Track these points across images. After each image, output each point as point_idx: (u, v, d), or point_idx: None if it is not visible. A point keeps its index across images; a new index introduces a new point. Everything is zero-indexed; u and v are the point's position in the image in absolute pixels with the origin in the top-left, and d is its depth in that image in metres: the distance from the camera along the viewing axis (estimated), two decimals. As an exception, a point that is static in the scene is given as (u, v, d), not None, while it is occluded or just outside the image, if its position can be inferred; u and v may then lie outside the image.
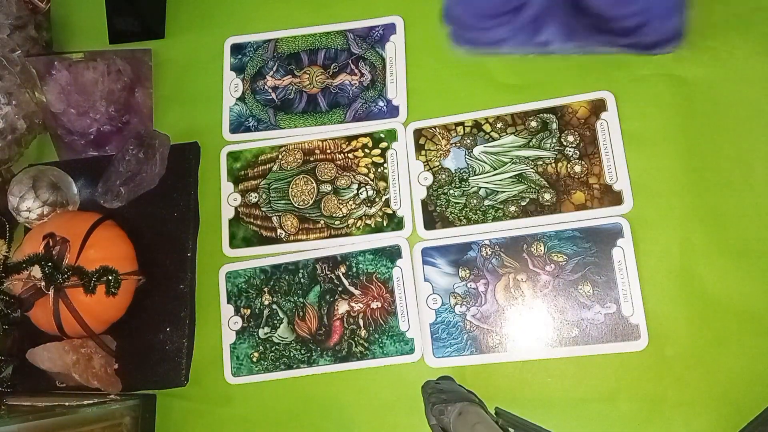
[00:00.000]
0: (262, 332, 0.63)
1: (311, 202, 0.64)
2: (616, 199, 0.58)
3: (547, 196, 0.59)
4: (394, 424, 0.59)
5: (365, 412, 0.60)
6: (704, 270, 0.56)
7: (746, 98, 0.57)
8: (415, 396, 0.58)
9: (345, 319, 0.61)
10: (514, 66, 0.62)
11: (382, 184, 0.63)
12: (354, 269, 0.62)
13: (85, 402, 0.60)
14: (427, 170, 0.62)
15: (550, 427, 0.55)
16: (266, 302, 0.63)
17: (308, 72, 0.67)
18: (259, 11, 0.71)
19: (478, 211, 0.60)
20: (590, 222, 0.58)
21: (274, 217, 0.65)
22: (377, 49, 0.66)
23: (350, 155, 0.64)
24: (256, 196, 0.66)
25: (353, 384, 0.61)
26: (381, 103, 0.65)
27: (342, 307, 0.61)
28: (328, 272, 0.62)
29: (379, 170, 0.63)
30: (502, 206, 0.60)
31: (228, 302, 0.64)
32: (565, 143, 0.60)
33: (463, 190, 0.61)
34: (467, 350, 0.58)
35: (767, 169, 0.56)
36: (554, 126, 0.60)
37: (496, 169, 0.61)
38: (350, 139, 0.65)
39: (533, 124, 0.61)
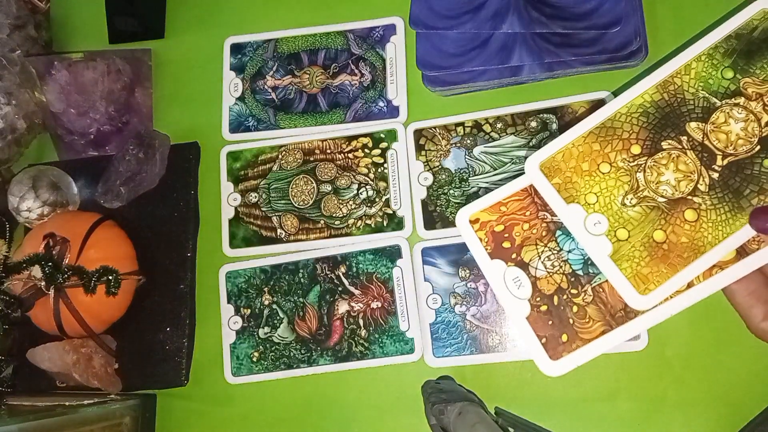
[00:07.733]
0: (262, 332, 0.63)
1: (311, 202, 0.64)
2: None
3: (547, 196, 0.59)
4: (394, 424, 0.59)
5: (365, 412, 0.60)
6: (704, 270, 0.56)
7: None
8: (415, 396, 0.58)
9: (345, 319, 0.61)
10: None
11: (382, 184, 0.63)
12: (354, 269, 0.62)
13: (85, 402, 0.60)
14: (427, 170, 0.62)
15: (550, 427, 0.55)
16: (266, 302, 0.63)
17: (308, 72, 0.67)
18: (259, 11, 0.71)
19: (478, 211, 0.60)
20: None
21: (274, 217, 0.65)
22: (377, 49, 0.66)
23: (350, 155, 0.64)
24: (256, 196, 0.66)
25: (353, 384, 0.61)
26: (381, 104, 0.65)
27: (342, 307, 0.61)
28: (328, 272, 0.62)
29: (380, 170, 0.63)
30: (502, 206, 0.60)
31: (228, 302, 0.64)
32: (565, 143, 0.60)
33: (463, 191, 0.61)
34: (467, 350, 0.58)
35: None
36: (554, 126, 0.60)
37: (496, 170, 0.61)
38: (350, 139, 0.65)
39: (533, 124, 0.61)
